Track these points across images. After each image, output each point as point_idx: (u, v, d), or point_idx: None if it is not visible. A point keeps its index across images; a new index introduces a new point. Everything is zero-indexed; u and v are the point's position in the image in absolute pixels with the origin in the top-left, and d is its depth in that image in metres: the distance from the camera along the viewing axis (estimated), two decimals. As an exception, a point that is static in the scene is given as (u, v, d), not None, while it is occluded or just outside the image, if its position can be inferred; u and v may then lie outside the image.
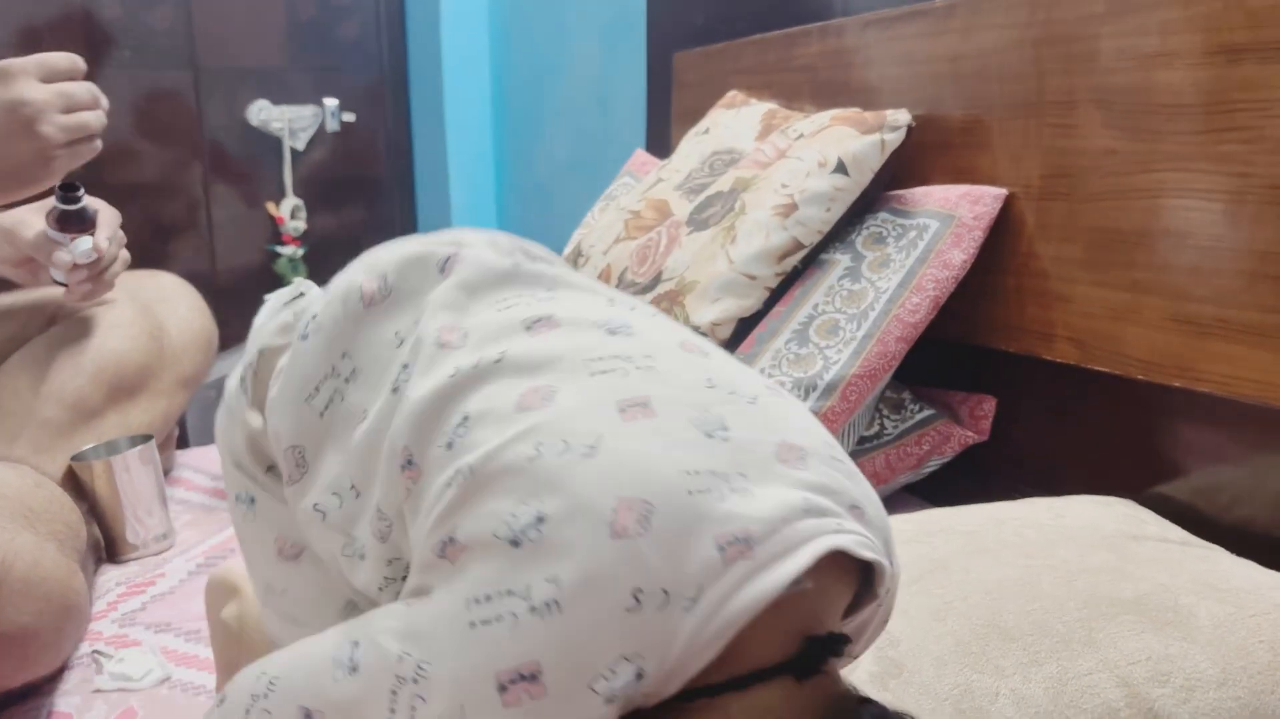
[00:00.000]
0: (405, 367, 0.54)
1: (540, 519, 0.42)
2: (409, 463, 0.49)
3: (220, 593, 0.84)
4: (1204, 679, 0.70)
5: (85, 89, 1.04)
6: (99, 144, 1.07)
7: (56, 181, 1.07)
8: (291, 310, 0.65)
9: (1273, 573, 0.82)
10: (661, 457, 0.44)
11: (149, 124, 2.66)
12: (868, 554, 0.46)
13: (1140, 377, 1.03)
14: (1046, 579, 0.81)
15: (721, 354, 0.55)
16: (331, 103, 2.80)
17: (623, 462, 0.43)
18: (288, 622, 0.61)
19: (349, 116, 2.84)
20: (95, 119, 1.05)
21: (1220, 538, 0.94)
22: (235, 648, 0.82)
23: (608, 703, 0.41)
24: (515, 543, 0.42)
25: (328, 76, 2.82)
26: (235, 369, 0.65)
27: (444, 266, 0.59)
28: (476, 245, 0.61)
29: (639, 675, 0.41)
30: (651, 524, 0.41)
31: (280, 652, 0.51)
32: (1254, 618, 0.75)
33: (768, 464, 0.46)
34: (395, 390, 0.53)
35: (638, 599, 0.41)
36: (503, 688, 0.41)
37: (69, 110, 1.02)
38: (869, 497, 0.50)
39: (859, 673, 0.75)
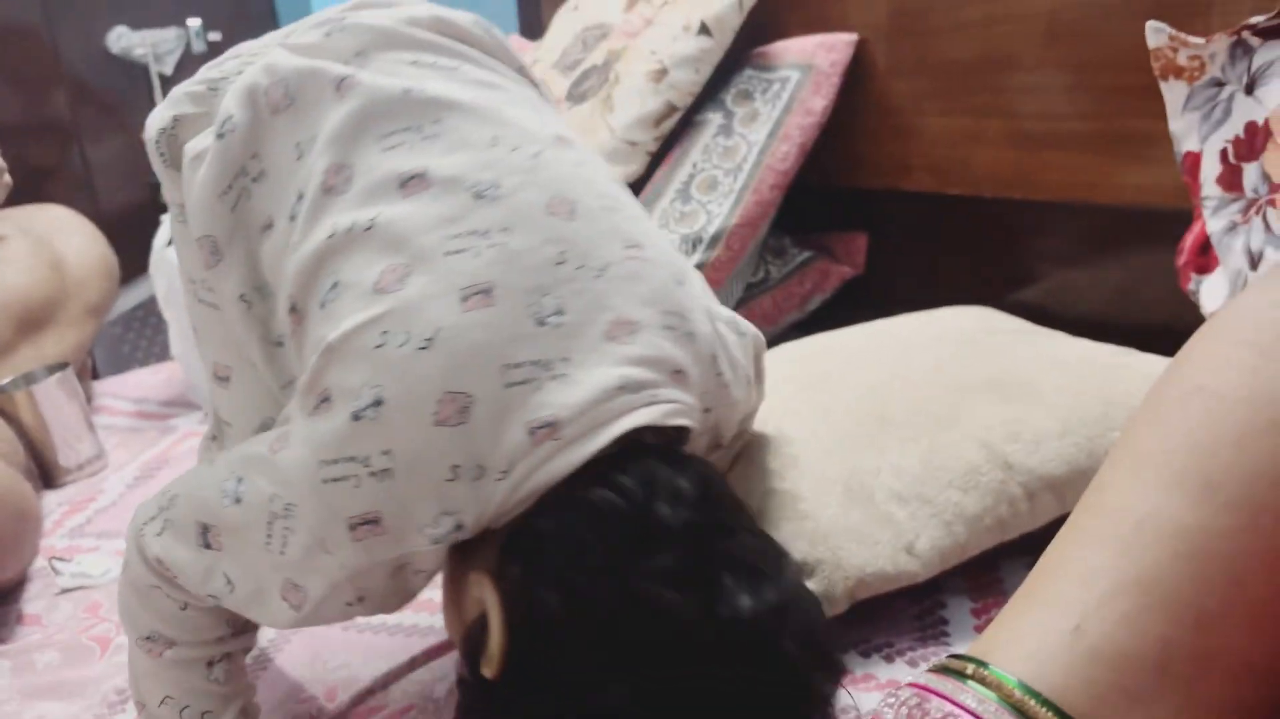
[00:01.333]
0: (300, 197, 0.61)
1: (378, 403, 0.51)
2: (294, 308, 0.60)
3: None
4: (1048, 433, 0.81)
5: None
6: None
7: None
8: (204, 83, 0.68)
9: (1103, 345, 0.94)
10: (489, 351, 0.52)
11: (0, 63, 2.55)
12: (673, 421, 0.56)
13: (988, 194, 1.13)
14: (915, 373, 0.92)
15: (594, 202, 0.60)
16: (194, 23, 2.72)
17: (453, 356, 0.52)
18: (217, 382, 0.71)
19: (215, 36, 2.76)
20: None
21: (1068, 330, 1.06)
22: None
23: (434, 544, 0.53)
24: (356, 417, 0.52)
25: (186, -5, 2.73)
26: (151, 124, 0.70)
27: (339, 85, 0.63)
28: (375, 59, 0.65)
29: (458, 527, 0.53)
30: (470, 415, 0.51)
31: (181, 476, 0.61)
32: (1088, 379, 0.87)
33: (595, 344, 0.54)
34: (292, 218, 0.61)
35: (455, 473, 0.51)
36: (352, 528, 0.52)
37: None
38: (702, 355, 0.59)
39: (761, 468, 0.86)
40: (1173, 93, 0.83)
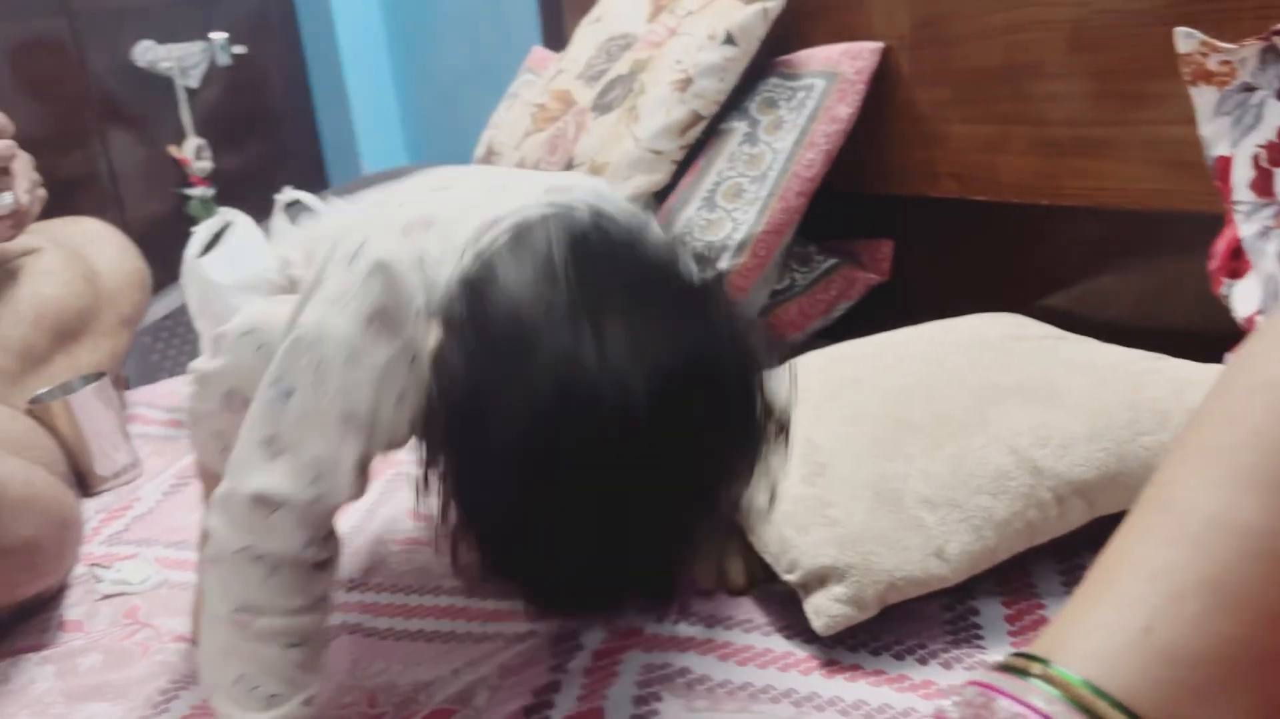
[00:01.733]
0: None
1: (363, 244, 0.66)
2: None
3: None
4: (1076, 437, 0.82)
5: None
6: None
7: None
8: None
9: (1131, 350, 0.95)
10: (445, 202, 0.69)
11: (29, 77, 2.58)
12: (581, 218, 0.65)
13: (1014, 200, 1.14)
14: (941, 379, 0.93)
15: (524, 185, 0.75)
16: (219, 36, 2.75)
17: (418, 208, 0.68)
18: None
19: (240, 49, 2.79)
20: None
21: (1096, 335, 1.06)
22: None
23: (414, 316, 0.64)
24: (351, 260, 0.65)
25: (211, 9, 2.76)
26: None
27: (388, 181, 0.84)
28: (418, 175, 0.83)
29: (428, 305, 0.63)
30: (431, 228, 0.66)
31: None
32: (1115, 384, 0.87)
33: (532, 193, 0.68)
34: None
35: (421, 265, 0.64)
36: (369, 323, 0.64)
37: None
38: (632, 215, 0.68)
39: (792, 477, 0.86)
40: (1202, 98, 0.83)
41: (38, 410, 1.25)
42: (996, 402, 0.87)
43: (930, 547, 0.77)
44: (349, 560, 1.01)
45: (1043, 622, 0.78)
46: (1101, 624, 0.37)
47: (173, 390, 1.61)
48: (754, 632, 0.81)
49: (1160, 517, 0.39)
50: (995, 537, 0.79)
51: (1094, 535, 0.83)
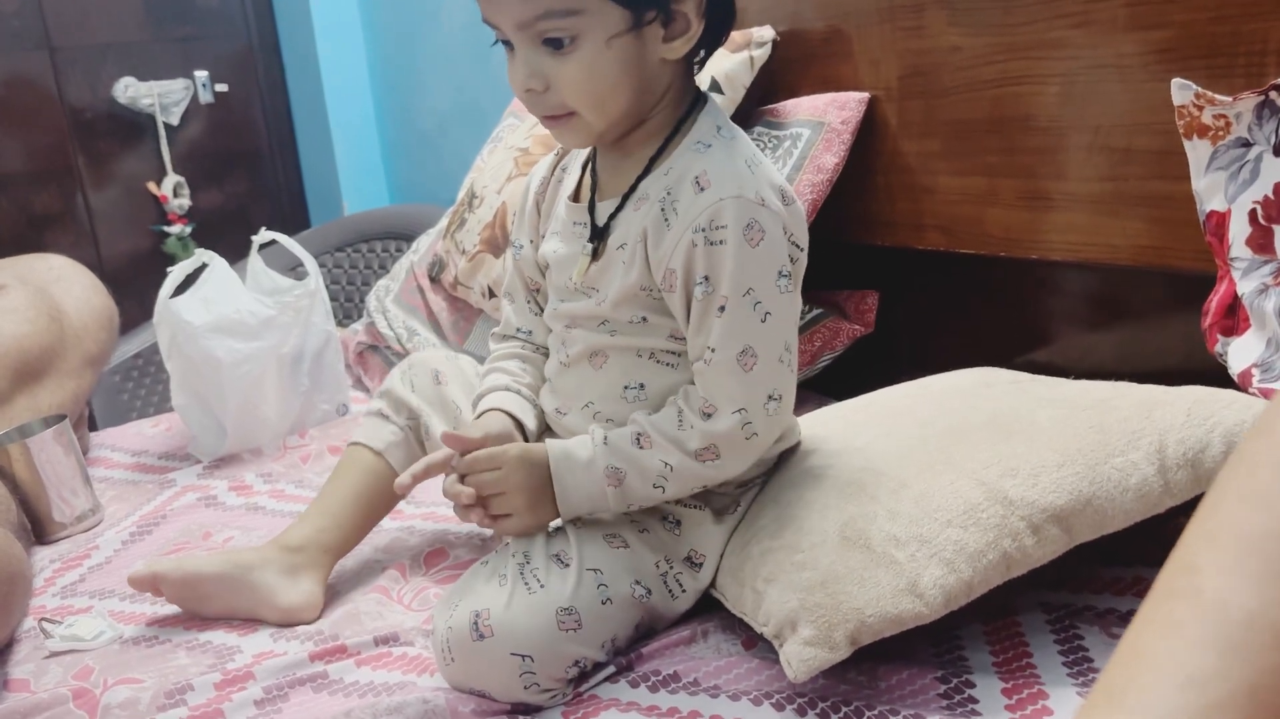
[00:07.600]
0: None
1: None
2: None
3: None
4: (1045, 465, 0.79)
5: None
6: None
7: None
8: None
9: (1100, 382, 0.92)
10: None
11: (8, 111, 2.56)
12: None
13: (1002, 254, 1.12)
14: (909, 428, 0.91)
15: None
16: (201, 74, 2.73)
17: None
18: None
19: (221, 87, 2.77)
20: None
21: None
22: None
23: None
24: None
25: (194, 47, 2.75)
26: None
27: None
28: None
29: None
30: None
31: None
32: (1084, 412, 0.85)
33: None
34: None
35: None
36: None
37: None
38: None
39: (756, 528, 0.83)
40: (1196, 152, 0.82)
41: (-6, 454, 1.21)
42: (962, 441, 0.85)
43: (901, 583, 0.74)
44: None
45: (1038, 678, 0.74)
46: None
47: (139, 432, 1.56)
48: (742, 699, 0.77)
49: (1190, 610, 0.35)
50: (970, 569, 0.75)
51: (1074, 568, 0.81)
